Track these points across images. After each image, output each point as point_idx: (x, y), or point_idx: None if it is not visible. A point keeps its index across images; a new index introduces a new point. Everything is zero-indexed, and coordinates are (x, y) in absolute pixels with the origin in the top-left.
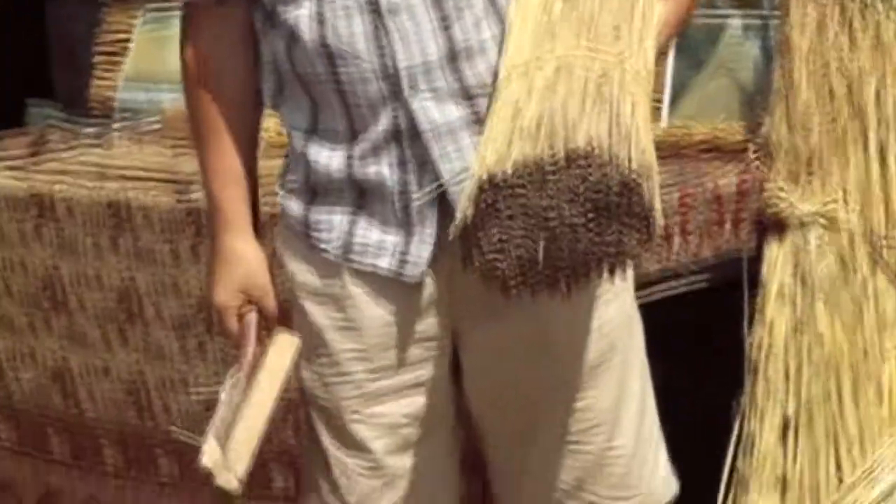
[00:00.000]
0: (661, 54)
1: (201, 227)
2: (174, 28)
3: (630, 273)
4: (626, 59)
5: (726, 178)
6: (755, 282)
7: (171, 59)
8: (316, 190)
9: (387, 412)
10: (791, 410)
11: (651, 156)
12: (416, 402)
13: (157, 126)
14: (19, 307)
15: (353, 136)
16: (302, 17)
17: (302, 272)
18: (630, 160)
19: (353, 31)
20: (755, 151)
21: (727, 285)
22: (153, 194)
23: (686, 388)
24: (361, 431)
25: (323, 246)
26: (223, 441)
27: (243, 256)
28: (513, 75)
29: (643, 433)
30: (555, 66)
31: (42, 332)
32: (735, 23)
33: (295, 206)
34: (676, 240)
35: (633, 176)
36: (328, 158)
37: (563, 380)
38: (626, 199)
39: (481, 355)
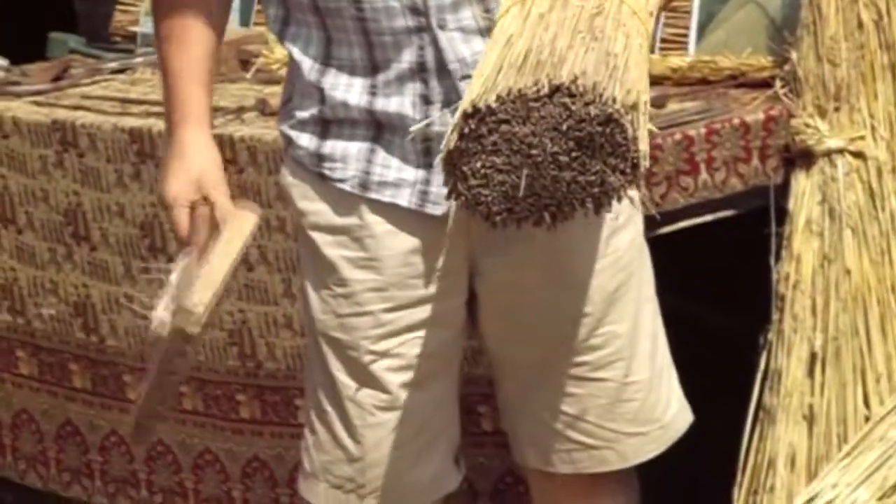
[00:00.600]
0: None
1: (224, 156)
2: None
3: (638, 202)
4: None
5: (753, 110)
6: (782, 214)
7: None
8: (329, 121)
9: (404, 347)
10: (818, 344)
11: (640, 94)
12: (434, 336)
13: None
14: (41, 239)
15: (373, 68)
16: None
17: (314, 207)
18: (614, 97)
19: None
20: (783, 83)
21: (754, 217)
22: None
23: (712, 321)
24: (378, 366)
25: (338, 177)
26: (177, 300)
27: (201, 150)
28: (511, 6)
29: (656, 365)
30: None
31: (64, 263)
32: None
33: (305, 139)
34: (703, 171)
35: (615, 112)
36: (345, 89)
37: (583, 311)
38: (609, 136)
39: (500, 289)
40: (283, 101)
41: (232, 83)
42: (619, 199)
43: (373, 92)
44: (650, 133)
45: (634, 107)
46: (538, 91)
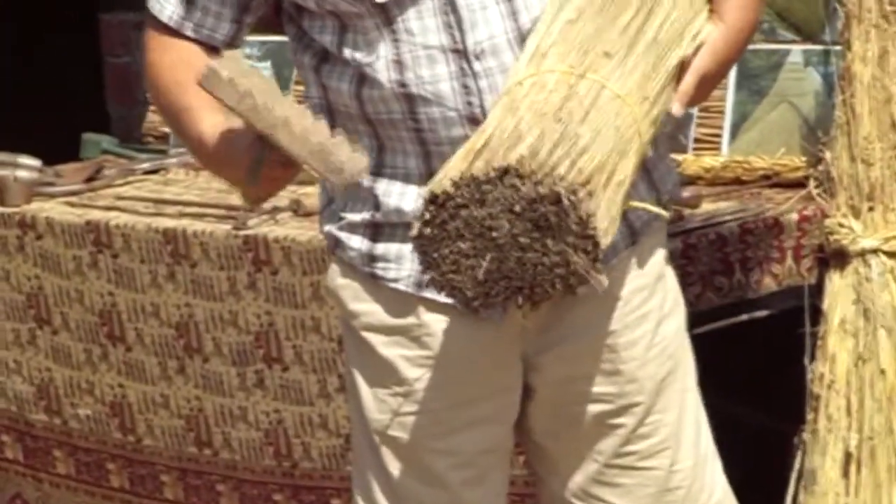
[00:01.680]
0: (718, 83)
1: (259, 257)
2: None
3: (678, 289)
4: (610, 80)
5: (787, 210)
6: (817, 314)
7: None
8: (381, 224)
9: (464, 444)
10: (853, 444)
11: (603, 174)
12: (491, 432)
13: None
14: (77, 339)
15: (429, 175)
16: (377, 61)
17: (367, 308)
18: (561, 176)
19: (436, 74)
20: (816, 183)
21: (788, 317)
22: (210, 224)
23: (747, 421)
24: (438, 464)
25: (392, 277)
26: None
27: None
28: (503, 97)
29: (700, 452)
30: (531, 83)
31: (100, 363)
32: (796, 53)
33: (356, 241)
34: (737, 271)
35: (564, 191)
36: (399, 197)
37: (635, 400)
38: (563, 215)
39: (556, 383)
40: (324, 202)
41: None
42: (585, 281)
43: None
44: (686, 231)
45: (587, 186)
46: (487, 174)
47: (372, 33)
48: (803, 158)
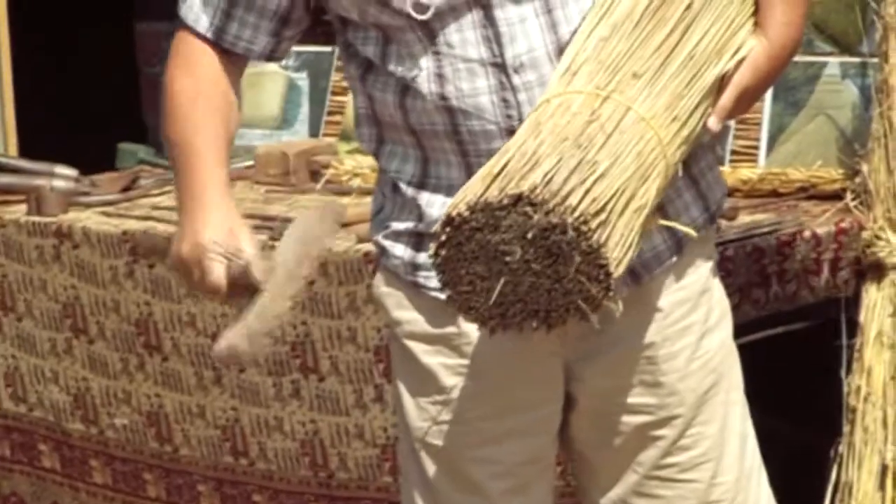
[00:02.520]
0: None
1: None
2: (265, 71)
3: (727, 303)
4: (636, 102)
5: (824, 223)
6: (853, 326)
7: (263, 102)
8: (424, 234)
9: (504, 454)
10: (889, 457)
11: (619, 202)
12: (532, 442)
13: (248, 167)
14: (113, 349)
15: None
16: (419, 73)
17: (409, 316)
18: (573, 206)
19: (476, 87)
20: (853, 195)
21: (825, 330)
22: None
23: (783, 434)
24: (479, 474)
25: (434, 286)
26: None
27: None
28: (531, 115)
29: (745, 466)
30: (557, 103)
31: (136, 373)
32: (833, 65)
33: (400, 249)
34: (774, 284)
35: (575, 221)
36: (442, 207)
37: (676, 412)
38: (575, 244)
39: (599, 393)
40: (374, 211)
41: (302, 194)
42: (597, 309)
43: None
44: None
45: (601, 213)
46: (501, 200)
47: (414, 46)
48: (840, 171)
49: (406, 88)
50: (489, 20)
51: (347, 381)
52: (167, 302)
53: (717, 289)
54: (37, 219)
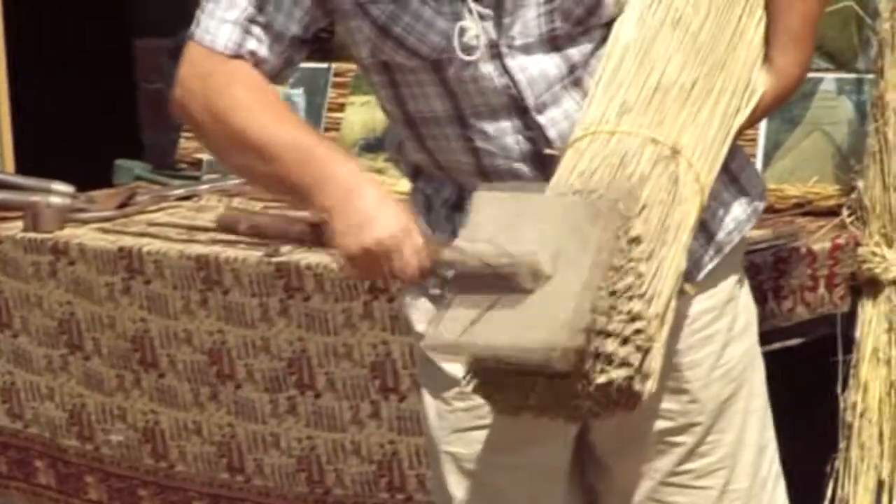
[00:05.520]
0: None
1: (291, 283)
2: None
3: (754, 310)
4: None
5: (820, 239)
6: (849, 343)
7: None
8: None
9: (523, 460)
10: (885, 473)
11: (656, 333)
12: (551, 449)
13: (246, 182)
14: (109, 365)
15: None
16: (441, 117)
17: None
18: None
19: (500, 127)
20: (849, 212)
21: (821, 346)
22: (242, 251)
23: (779, 450)
24: (500, 480)
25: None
26: None
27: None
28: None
29: (760, 475)
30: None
31: (132, 390)
32: (829, 81)
33: None
34: (770, 300)
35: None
36: None
37: (695, 420)
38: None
39: None
40: None
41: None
42: (598, 414)
43: None
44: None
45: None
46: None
47: (428, 88)
48: (836, 187)
49: (432, 133)
50: (505, 71)
51: (344, 398)
52: (163, 318)
53: (745, 295)
54: (33, 235)
